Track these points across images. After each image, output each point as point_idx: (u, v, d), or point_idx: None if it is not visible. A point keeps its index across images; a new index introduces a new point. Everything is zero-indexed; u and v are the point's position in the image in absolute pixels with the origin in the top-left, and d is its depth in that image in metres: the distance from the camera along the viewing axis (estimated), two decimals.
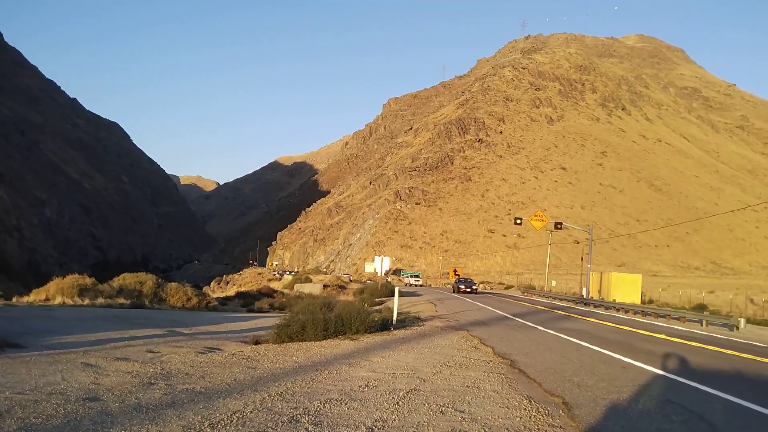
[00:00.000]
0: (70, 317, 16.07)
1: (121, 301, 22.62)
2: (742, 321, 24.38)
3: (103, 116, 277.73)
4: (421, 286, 64.61)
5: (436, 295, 43.09)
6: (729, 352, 15.33)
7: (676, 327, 24.10)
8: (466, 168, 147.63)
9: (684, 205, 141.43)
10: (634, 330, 20.57)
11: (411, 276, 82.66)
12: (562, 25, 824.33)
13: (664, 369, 10.96)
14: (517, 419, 6.60)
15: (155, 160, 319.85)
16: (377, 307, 27.28)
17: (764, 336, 22.32)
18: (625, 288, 44.73)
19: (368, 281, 66.86)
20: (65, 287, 22.04)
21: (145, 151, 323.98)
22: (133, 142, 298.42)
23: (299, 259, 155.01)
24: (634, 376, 9.92)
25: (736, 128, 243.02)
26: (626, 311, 33.16)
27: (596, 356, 12.49)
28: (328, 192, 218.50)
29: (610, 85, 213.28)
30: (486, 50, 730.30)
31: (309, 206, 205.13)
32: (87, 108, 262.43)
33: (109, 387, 7.20)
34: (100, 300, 21.98)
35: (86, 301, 21.50)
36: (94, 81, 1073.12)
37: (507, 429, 6.18)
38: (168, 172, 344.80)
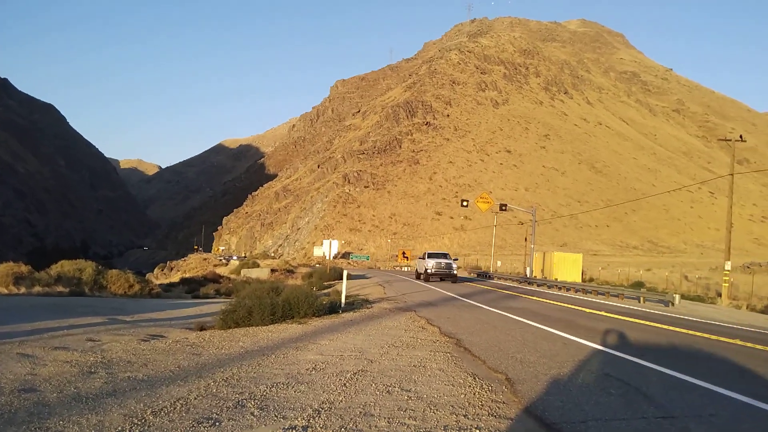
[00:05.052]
0: (4, 306, 15.42)
1: (60, 289, 21.83)
2: (677, 297, 25.48)
3: (37, 98, 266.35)
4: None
5: (384, 278, 43.31)
6: (664, 326, 16.00)
7: (615, 304, 24.99)
8: (414, 151, 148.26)
9: (623, 187, 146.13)
10: (575, 307, 21.22)
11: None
12: (506, 9, 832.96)
13: (603, 344, 11.34)
14: (462, 396, 6.72)
15: (93, 143, 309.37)
16: (326, 291, 27.27)
17: (697, 311, 23.41)
18: (567, 267, 46.09)
19: (317, 264, 66.28)
20: None
21: (82, 133, 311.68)
22: (70, 124, 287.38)
23: (246, 244, 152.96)
24: (574, 352, 10.22)
25: (672, 112, 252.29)
26: (568, 289, 34.18)
27: (539, 333, 12.82)
28: (275, 175, 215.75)
29: (553, 69, 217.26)
30: (433, 33, 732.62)
31: (255, 190, 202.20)
32: (19, 89, 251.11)
33: (46, 377, 6.96)
34: (37, 288, 21.14)
35: (22, 290, 20.65)
36: (27, 61, 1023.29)
37: (452, 406, 6.28)
38: (107, 155, 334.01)
